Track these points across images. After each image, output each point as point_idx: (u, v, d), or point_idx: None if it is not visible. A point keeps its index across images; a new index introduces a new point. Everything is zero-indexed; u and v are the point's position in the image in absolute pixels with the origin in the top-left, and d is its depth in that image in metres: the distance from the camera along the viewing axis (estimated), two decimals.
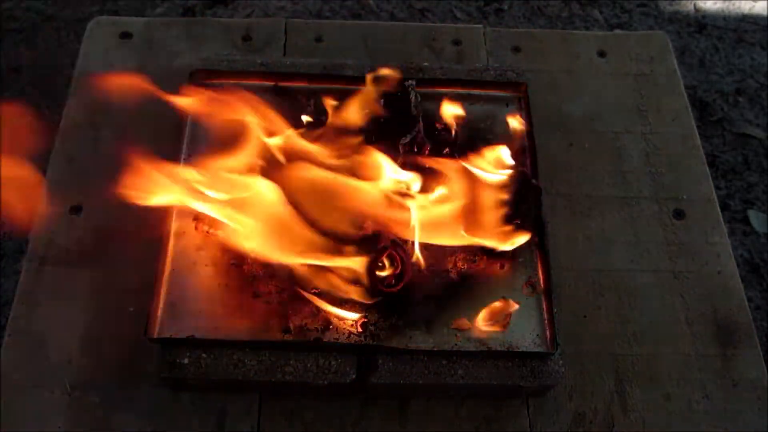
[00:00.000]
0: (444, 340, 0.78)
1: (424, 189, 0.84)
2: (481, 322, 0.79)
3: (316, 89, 0.95)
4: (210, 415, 0.78)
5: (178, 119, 0.90)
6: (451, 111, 0.92)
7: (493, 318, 0.79)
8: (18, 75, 1.61)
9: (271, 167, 0.84)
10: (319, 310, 0.78)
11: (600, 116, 1.03)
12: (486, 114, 0.96)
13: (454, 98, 0.94)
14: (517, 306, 0.79)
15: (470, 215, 0.83)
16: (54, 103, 1.56)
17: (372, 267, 0.78)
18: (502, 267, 0.84)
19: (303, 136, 0.87)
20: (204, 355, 0.75)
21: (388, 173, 0.83)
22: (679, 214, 0.95)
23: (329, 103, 0.91)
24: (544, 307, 0.81)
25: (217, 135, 0.90)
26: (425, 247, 0.83)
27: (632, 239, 0.93)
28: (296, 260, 0.78)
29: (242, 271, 0.81)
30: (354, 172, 0.83)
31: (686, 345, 0.86)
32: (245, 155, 0.84)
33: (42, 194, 0.87)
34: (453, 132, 0.92)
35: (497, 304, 0.80)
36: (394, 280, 0.79)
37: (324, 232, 0.79)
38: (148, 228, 0.81)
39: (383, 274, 0.79)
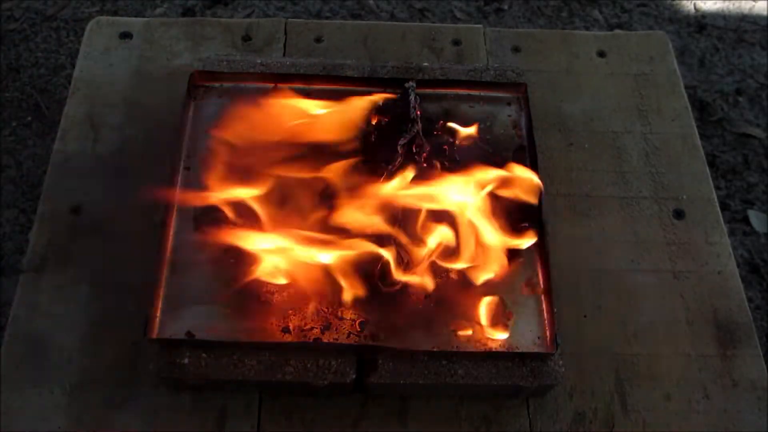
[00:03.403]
0: (444, 340, 0.78)
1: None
2: (483, 324, 0.79)
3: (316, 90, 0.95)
4: (210, 415, 0.78)
5: (176, 121, 0.90)
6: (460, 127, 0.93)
7: (492, 319, 0.79)
8: (18, 75, 1.61)
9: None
10: (319, 310, 0.78)
11: (600, 116, 1.03)
12: (486, 114, 0.96)
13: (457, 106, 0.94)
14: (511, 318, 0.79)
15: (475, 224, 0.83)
16: (54, 103, 1.56)
17: (374, 266, 0.78)
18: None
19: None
20: (204, 355, 0.75)
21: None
22: (679, 214, 0.95)
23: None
24: (544, 307, 0.81)
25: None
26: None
27: (632, 239, 0.92)
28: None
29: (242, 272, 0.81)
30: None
31: (686, 345, 0.86)
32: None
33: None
34: (453, 140, 0.92)
35: (493, 303, 0.80)
36: (394, 280, 0.79)
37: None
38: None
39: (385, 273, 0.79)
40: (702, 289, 0.89)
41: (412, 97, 0.92)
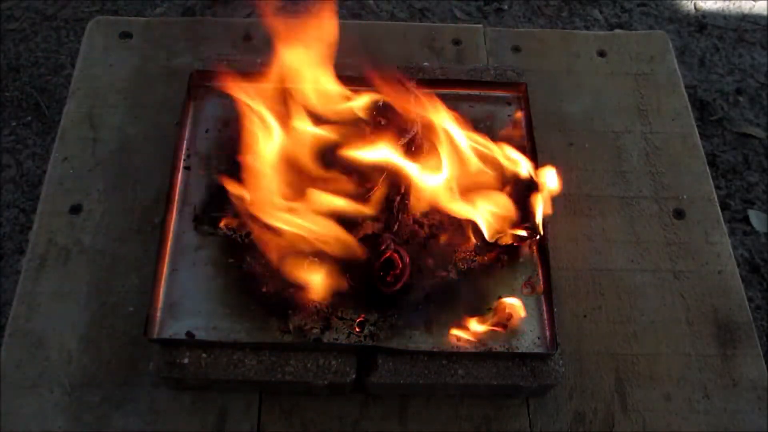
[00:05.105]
0: (444, 340, 0.78)
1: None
2: (481, 325, 0.79)
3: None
4: (210, 415, 0.78)
5: (177, 119, 0.91)
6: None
7: (491, 320, 0.79)
8: (18, 75, 1.61)
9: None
10: (318, 309, 0.78)
11: (600, 116, 1.03)
12: (486, 114, 0.96)
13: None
14: (522, 314, 0.79)
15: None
16: (54, 102, 1.56)
17: (372, 267, 0.78)
18: (501, 267, 0.84)
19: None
20: (204, 355, 0.75)
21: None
22: (679, 214, 0.95)
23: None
24: (544, 307, 0.81)
25: (217, 135, 0.90)
26: (424, 246, 0.83)
27: (632, 239, 0.92)
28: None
29: (242, 271, 0.81)
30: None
31: (686, 345, 0.86)
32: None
33: None
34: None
35: (499, 304, 0.80)
36: (393, 280, 0.79)
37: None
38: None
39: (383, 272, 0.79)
40: (702, 288, 0.89)
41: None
